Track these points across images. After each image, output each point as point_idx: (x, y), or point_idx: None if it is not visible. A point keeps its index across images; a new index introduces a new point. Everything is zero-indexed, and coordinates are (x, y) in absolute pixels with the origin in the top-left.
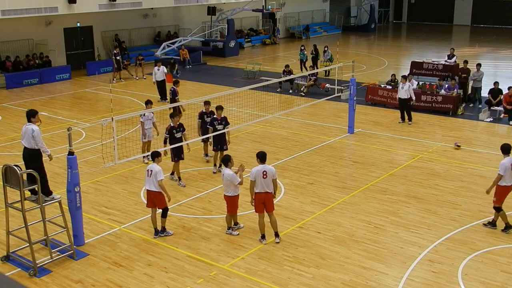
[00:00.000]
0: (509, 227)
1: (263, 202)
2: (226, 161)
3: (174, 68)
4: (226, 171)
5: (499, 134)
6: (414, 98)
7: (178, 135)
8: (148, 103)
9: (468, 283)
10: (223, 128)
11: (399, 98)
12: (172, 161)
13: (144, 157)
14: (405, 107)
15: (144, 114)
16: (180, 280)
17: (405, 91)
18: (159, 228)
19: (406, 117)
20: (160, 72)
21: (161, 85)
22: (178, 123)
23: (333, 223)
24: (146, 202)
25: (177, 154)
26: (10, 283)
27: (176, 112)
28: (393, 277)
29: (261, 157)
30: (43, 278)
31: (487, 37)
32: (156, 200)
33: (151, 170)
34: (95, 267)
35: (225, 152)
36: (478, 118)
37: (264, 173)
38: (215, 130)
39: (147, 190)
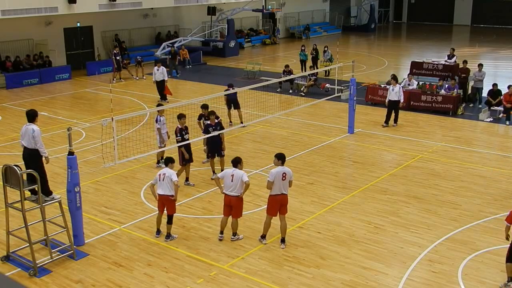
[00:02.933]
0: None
1: (280, 204)
2: (237, 162)
3: (175, 59)
4: (238, 171)
5: (499, 134)
6: (402, 100)
7: (186, 136)
8: (160, 105)
9: (468, 283)
10: (218, 134)
11: (390, 101)
12: (180, 164)
13: (158, 162)
14: (395, 110)
15: (160, 119)
16: (180, 280)
17: (396, 93)
18: (162, 230)
19: (392, 120)
20: (160, 72)
21: (160, 85)
22: (184, 125)
23: (333, 223)
24: (148, 203)
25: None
26: (10, 283)
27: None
28: (393, 277)
29: (282, 159)
30: (43, 278)
31: (487, 37)
32: (167, 204)
33: (164, 174)
34: (95, 267)
35: (222, 158)
36: (478, 118)
37: (284, 174)
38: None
39: (159, 194)
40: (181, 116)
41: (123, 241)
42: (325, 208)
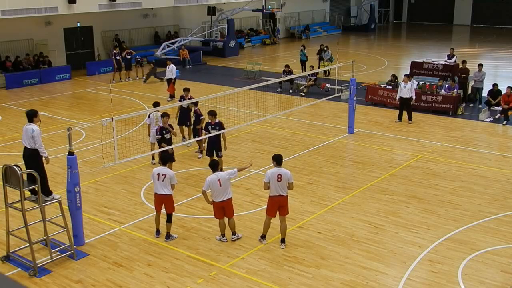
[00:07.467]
0: None
1: (278, 205)
2: (216, 165)
3: (155, 72)
4: (221, 173)
5: (499, 134)
6: (414, 97)
7: (167, 135)
8: (157, 104)
9: (468, 283)
10: (217, 133)
11: (401, 97)
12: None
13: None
14: (406, 107)
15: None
16: (180, 280)
17: (408, 90)
18: (161, 230)
19: (405, 117)
20: (169, 70)
21: (168, 83)
22: (168, 123)
23: (333, 223)
24: (154, 205)
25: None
26: (10, 283)
27: (168, 113)
28: (393, 277)
29: (277, 160)
30: (43, 278)
31: (487, 37)
32: (166, 203)
33: (164, 174)
34: (95, 267)
35: (220, 158)
36: (478, 118)
37: (279, 176)
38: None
39: (157, 194)
40: (164, 115)
41: (123, 241)
42: (325, 208)
